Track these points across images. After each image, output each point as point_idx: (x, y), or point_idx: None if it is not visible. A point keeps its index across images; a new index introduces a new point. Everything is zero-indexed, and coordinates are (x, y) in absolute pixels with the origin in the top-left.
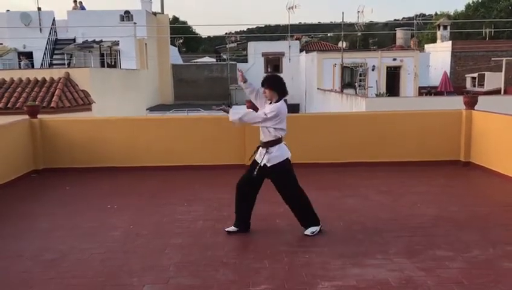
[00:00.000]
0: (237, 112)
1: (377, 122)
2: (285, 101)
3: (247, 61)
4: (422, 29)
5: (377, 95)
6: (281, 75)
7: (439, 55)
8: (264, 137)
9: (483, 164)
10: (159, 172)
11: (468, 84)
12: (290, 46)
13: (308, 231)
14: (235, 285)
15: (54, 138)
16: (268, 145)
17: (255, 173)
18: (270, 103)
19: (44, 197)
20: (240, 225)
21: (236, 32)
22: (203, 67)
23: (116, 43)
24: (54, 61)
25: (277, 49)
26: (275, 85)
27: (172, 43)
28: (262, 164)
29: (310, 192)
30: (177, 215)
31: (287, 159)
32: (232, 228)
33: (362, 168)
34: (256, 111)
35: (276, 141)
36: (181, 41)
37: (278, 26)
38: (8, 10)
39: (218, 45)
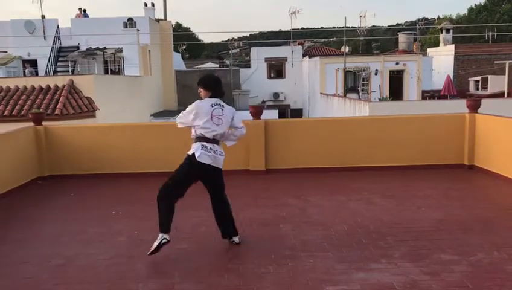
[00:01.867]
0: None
1: (380, 127)
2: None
3: (250, 67)
4: (424, 33)
5: (380, 100)
6: (284, 80)
7: (442, 59)
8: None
9: (487, 167)
10: (163, 178)
11: (472, 88)
12: (292, 51)
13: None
14: None
15: (58, 145)
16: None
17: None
18: None
19: (50, 204)
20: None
21: (239, 38)
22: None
23: (120, 50)
24: (58, 69)
25: (280, 55)
26: (205, 84)
27: (176, 50)
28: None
29: (314, 196)
30: (181, 221)
31: (190, 157)
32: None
33: (366, 173)
34: (259, 115)
35: (197, 138)
36: (184, 47)
37: (280, 31)
38: (20, 18)
39: (221, 51)
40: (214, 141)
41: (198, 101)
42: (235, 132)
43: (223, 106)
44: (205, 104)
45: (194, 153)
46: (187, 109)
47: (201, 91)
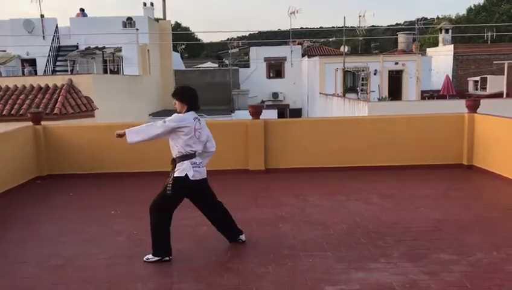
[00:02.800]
0: (132, 130)
1: (380, 127)
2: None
3: (249, 66)
4: (424, 33)
5: (379, 99)
6: (284, 80)
7: (441, 59)
8: (173, 152)
9: (486, 167)
10: (162, 177)
11: (471, 88)
12: (292, 51)
13: (146, 257)
14: None
15: (57, 144)
16: (176, 161)
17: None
18: None
19: (49, 203)
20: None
21: (239, 38)
22: (206, 73)
23: (119, 50)
24: (57, 68)
25: (279, 54)
26: (181, 96)
27: (175, 49)
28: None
29: (313, 196)
30: (181, 221)
31: (182, 178)
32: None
33: (365, 172)
34: (258, 115)
35: (184, 157)
36: (183, 47)
37: (279, 31)
38: (19, 18)
39: (220, 50)
40: (196, 154)
41: (180, 114)
42: (209, 154)
43: (199, 118)
44: (189, 118)
45: (186, 174)
46: (175, 123)
47: (177, 103)
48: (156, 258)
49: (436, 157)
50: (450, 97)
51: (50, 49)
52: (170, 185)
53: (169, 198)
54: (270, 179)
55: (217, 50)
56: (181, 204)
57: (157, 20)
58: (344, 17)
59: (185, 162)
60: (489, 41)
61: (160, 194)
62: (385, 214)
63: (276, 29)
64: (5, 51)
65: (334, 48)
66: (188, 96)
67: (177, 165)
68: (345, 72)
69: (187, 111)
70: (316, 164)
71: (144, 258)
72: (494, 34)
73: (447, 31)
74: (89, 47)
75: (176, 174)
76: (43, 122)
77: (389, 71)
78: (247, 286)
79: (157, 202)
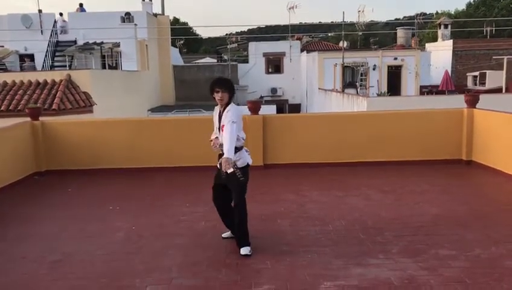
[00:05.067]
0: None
1: (379, 122)
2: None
3: (248, 62)
4: (423, 28)
5: (378, 95)
6: (282, 75)
7: (440, 54)
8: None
9: (485, 162)
10: (160, 173)
11: (470, 83)
12: (290, 46)
13: (245, 252)
14: (238, 286)
15: (55, 140)
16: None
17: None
18: (224, 109)
19: (47, 200)
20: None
21: (237, 33)
22: (204, 68)
23: (117, 45)
24: (55, 63)
25: (278, 50)
26: (231, 88)
27: (173, 44)
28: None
29: (312, 192)
30: (179, 217)
31: (248, 165)
32: (228, 234)
33: (364, 168)
34: (257, 110)
35: (238, 148)
36: (182, 42)
37: (278, 26)
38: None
39: (219, 46)
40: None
41: (236, 107)
42: None
43: None
44: (241, 111)
45: (248, 163)
46: (236, 119)
47: (224, 95)
48: (249, 249)
49: (435, 152)
50: (449, 92)
51: (48, 44)
52: (241, 175)
53: (245, 186)
54: (269, 174)
55: (215, 45)
56: (180, 201)
57: (155, 15)
58: (343, 12)
59: (242, 151)
60: (488, 36)
61: (238, 187)
62: (384, 210)
63: (275, 24)
64: (3, 46)
65: (333, 43)
66: (234, 88)
67: (236, 155)
68: (344, 68)
69: (229, 102)
70: (315, 160)
71: (244, 253)
72: (494, 28)
73: (446, 26)
74: (87, 42)
75: (240, 166)
76: (41, 118)
77: (388, 66)
78: (246, 281)
79: (241, 198)
